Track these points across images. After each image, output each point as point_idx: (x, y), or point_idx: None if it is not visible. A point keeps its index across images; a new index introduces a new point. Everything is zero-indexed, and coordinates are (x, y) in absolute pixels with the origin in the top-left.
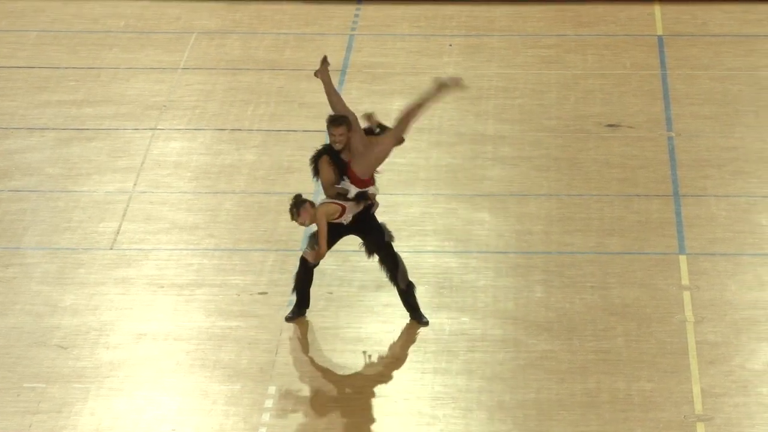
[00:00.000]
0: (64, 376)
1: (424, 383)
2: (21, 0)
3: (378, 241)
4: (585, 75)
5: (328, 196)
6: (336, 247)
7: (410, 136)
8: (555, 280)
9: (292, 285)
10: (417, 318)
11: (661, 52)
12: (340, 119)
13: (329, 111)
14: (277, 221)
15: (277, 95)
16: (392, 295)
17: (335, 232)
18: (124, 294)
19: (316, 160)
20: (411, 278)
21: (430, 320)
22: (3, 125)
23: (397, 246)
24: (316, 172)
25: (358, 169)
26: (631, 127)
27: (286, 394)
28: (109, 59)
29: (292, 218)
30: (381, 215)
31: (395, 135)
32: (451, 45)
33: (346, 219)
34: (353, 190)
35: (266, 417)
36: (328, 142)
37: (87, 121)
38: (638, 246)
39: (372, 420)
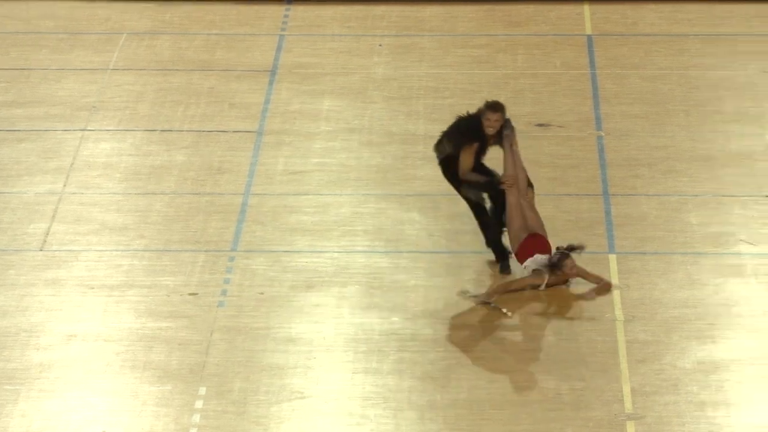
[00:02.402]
0: None
1: (355, 383)
2: None
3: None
4: (515, 75)
5: (464, 180)
6: (267, 247)
7: (340, 136)
8: (486, 279)
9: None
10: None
11: (591, 52)
12: (498, 105)
13: (259, 111)
14: (207, 222)
15: (208, 96)
16: (323, 295)
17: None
18: (54, 295)
19: (459, 144)
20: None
21: (361, 320)
22: None
23: (327, 246)
24: (447, 158)
25: None
26: (561, 127)
27: (216, 395)
28: (39, 60)
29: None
30: (311, 216)
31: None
32: (381, 45)
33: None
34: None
35: (197, 418)
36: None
37: (17, 122)
38: None
39: (302, 420)
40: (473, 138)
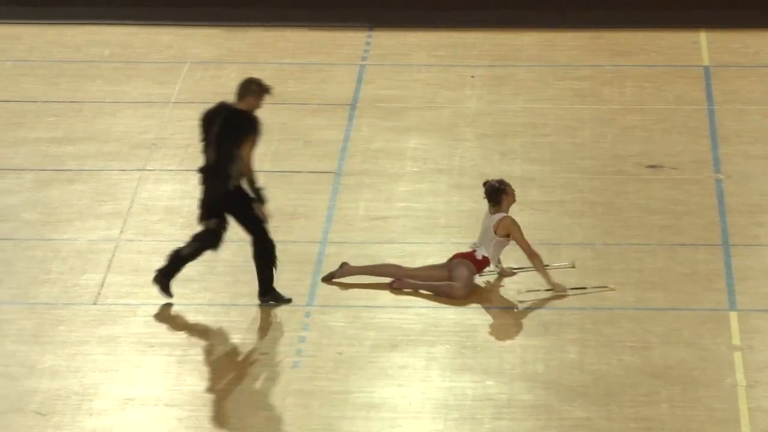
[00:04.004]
0: None
1: None
2: None
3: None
4: (623, 110)
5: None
6: (346, 302)
7: (428, 177)
8: (591, 339)
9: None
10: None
11: (708, 85)
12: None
13: (338, 149)
14: (279, 273)
15: (280, 132)
16: (408, 356)
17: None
18: (109, 354)
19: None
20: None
21: (451, 384)
22: None
23: (414, 301)
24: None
25: None
26: (674, 169)
27: None
28: (92, 92)
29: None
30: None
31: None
32: (473, 76)
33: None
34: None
35: None
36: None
37: (68, 161)
38: (683, 301)
39: None
40: (253, 130)
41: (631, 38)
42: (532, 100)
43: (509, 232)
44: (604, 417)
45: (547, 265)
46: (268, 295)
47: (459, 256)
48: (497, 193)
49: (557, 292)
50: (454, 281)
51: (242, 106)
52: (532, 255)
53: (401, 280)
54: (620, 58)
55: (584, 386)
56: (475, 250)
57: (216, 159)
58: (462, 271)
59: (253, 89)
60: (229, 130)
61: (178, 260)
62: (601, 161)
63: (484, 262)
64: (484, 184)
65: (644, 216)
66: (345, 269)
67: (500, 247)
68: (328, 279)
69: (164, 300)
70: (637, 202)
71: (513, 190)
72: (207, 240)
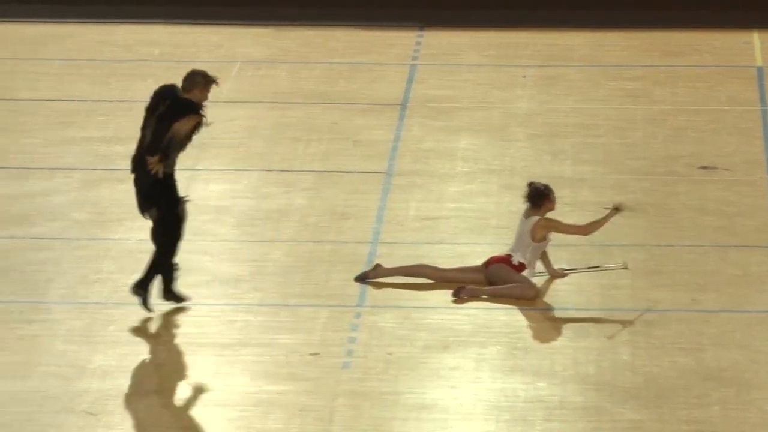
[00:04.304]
0: None
1: None
2: (43, 24)
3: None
4: (675, 111)
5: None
6: (396, 302)
7: (479, 178)
8: (642, 340)
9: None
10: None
11: (761, 86)
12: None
13: (388, 149)
14: (330, 273)
15: (330, 132)
16: (459, 357)
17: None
18: (159, 354)
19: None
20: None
21: (503, 385)
22: (23, 165)
23: (463, 304)
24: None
25: None
26: (727, 170)
27: None
28: (142, 91)
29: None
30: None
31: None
32: (525, 77)
33: None
34: None
35: None
36: None
37: (117, 160)
38: (736, 303)
39: None
40: (195, 110)
41: (683, 38)
42: (583, 101)
43: (549, 230)
44: (655, 419)
45: (599, 266)
46: (140, 289)
47: (496, 260)
48: (541, 197)
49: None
50: (512, 283)
51: (189, 98)
52: (585, 229)
53: (467, 288)
54: (672, 58)
55: (636, 388)
56: (511, 255)
57: (152, 140)
58: (513, 275)
59: (199, 81)
60: (171, 114)
61: (159, 268)
62: (652, 162)
63: (520, 269)
64: (529, 185)
65: (696, 217)
66: (378, 270)
67: (537, 252)
68: (360, 279)
69: (214, 301)
70: (689, 203)
71: (555, 198)
72: (169, 230)
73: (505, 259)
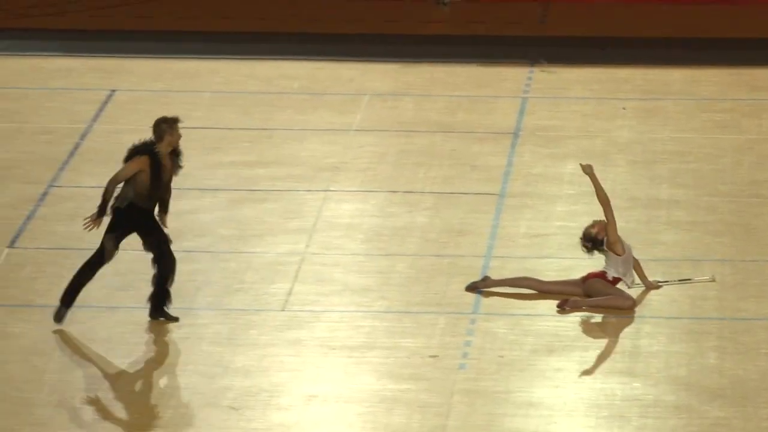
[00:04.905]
0: None
1: None
2: (195, 60)
3: (159, 241)
4: (760, 140)
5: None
6: (507, 310)
7: (582, 199)
8: (729, 346)
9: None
10: (164, 316)
11: None
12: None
13: (501, 173)
14: (448, 284)
15: (450, 158)
16: (564, 360)
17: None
18: (295, 355)
19: (130, 157)
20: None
21: (602, 385)
22: (176, 186)
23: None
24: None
25: None
26: None
27: None
28: (281, 120)
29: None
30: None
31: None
32: (624, 108)
33: None
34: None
35: None
36: None
37: (259, 182)
38: None
39: None
40: (145, 152)
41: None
42: (678, 130)
43: (613, 236)
44: (740, 417)
45: (689, 279)
46: (156, 314)
47: (593, 276)
48: (594, 242)
49: None
50: (610, 296)
51: (163, 147)
52: (603, 202)
53: (571, 300)
54: (758, 92)
55: (722, 389)
56: (605, 271)
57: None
58: (609, 288)
59: (164, 128)
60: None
61: (163, 282)
62: (739, 186)
63: (615, 282)
64: (581, 237)
65: None
66: (487, 281)
67: (627, 264)
68: (471, 288)
69: (345, 308)
70: None
71: (602, 227)
72: (162, 258)
73: (601, 275)
